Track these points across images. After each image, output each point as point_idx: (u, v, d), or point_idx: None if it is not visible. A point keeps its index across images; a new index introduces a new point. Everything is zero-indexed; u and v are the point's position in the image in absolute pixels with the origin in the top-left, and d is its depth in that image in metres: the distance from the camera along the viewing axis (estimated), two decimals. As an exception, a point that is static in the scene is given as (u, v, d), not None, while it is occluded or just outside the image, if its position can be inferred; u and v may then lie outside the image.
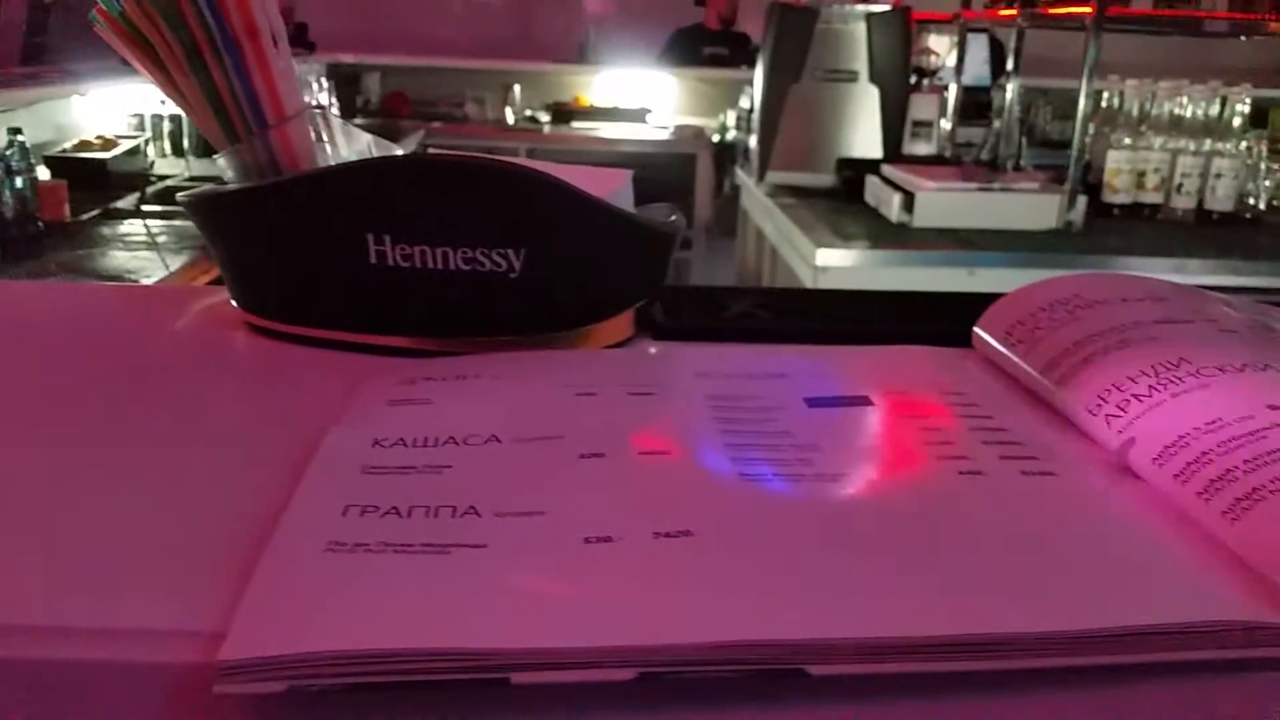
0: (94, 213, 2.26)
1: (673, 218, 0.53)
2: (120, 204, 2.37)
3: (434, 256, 0.46)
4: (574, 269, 0.49)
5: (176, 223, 2.20)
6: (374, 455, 0.36)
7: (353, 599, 0.28)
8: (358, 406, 0.41)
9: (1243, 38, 2.22)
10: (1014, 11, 2.34)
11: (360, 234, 0.46)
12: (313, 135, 0.51)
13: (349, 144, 0.54)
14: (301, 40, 4.35)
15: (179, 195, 0.53)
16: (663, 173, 3.89)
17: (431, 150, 0.48)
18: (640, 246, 0.52)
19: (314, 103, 0.55)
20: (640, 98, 4.59)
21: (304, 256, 0.49)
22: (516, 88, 4.49)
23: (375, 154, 0.54)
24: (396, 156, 0.50)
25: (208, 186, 0.53)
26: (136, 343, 0.53)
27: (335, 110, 3.66)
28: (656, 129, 4.43)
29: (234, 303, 0.54)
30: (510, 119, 4.47)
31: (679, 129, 4.43)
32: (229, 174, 0.52)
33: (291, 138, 0.50)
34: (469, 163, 0.46)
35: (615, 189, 0.55)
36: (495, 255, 0.47)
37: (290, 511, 0.32)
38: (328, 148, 0.52)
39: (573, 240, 0.48)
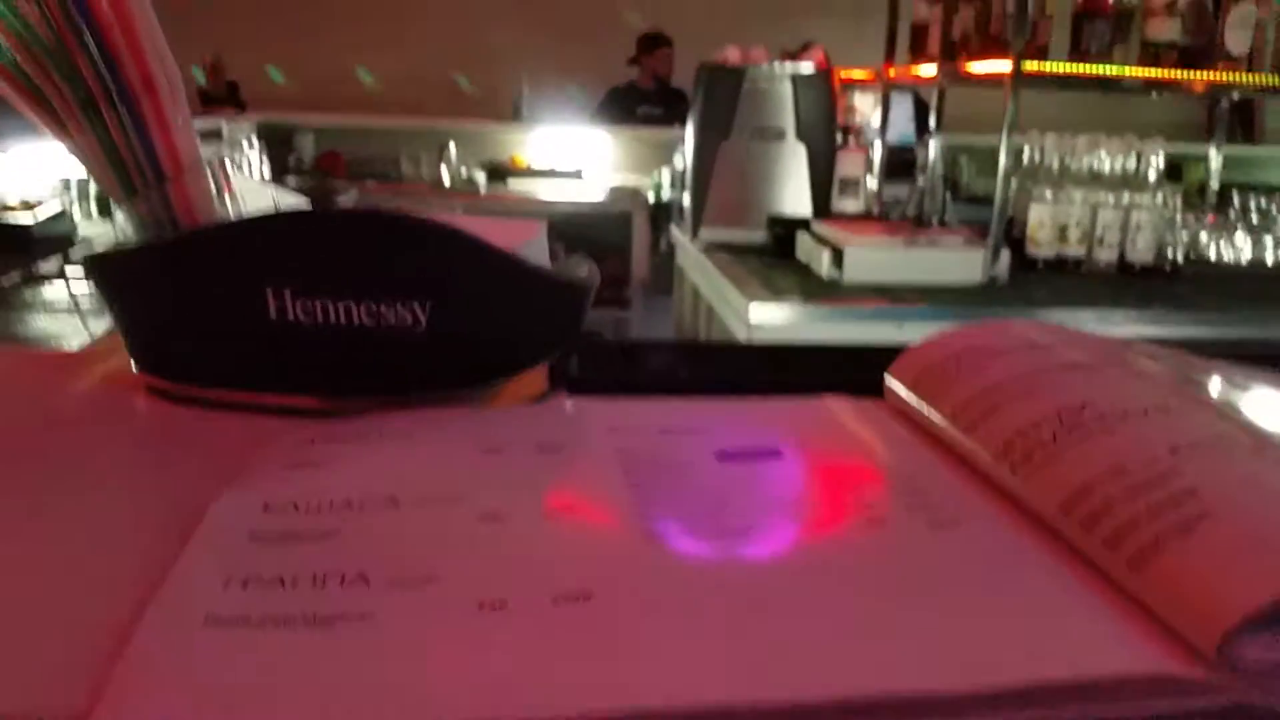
0: (15, 278, 2.20)
1: (585, 270, 0.53)
2: (43, 268, 2.31)
3: (337, 311, 0.45)
4: (482, 323, 0.48)
5: (100, 286, 2.14)
6: (263, 521, 0.35)
7: (226, 677, 0.26)
8: (250, 470, 0.39)
9: (1154, 94, 2.29)
10: (935, 71, 2.40)
11: (259, 289, 0.45)
12: (213, 189, 0.50)
13: (253, 198, 0.52)
14: (233, 99, 4.34)
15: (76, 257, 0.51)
16: (600, 232, 3.91)
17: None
18: (551, 299, 0.51)
19: (215, 157, 0.54)
20: (576, 156, 4.63)
21: (201, 314, 0.47)
22: (452, 146, 4.49)
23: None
24: (295, 210, 0.49)
25: (105, 246, 0.51)
26: (23, 408, 0.50)
27: (267, 170, 3.62)
28: (593, 188, 4.46)
29: (133, 365, 0.52)
30: (446, 179, 4.47)
31: (615, 189, 4.46)
32: (128, 230, 0.50)
33: (189, 191, 0.49)
34: (367, 214, 0.45)
35: (528, 239, 0.54)
36: (399, 309, 0.45)
37: (168, 585, 0.30)
38: (228, 202, 0.50)
39: (479, 293, 0.47)
